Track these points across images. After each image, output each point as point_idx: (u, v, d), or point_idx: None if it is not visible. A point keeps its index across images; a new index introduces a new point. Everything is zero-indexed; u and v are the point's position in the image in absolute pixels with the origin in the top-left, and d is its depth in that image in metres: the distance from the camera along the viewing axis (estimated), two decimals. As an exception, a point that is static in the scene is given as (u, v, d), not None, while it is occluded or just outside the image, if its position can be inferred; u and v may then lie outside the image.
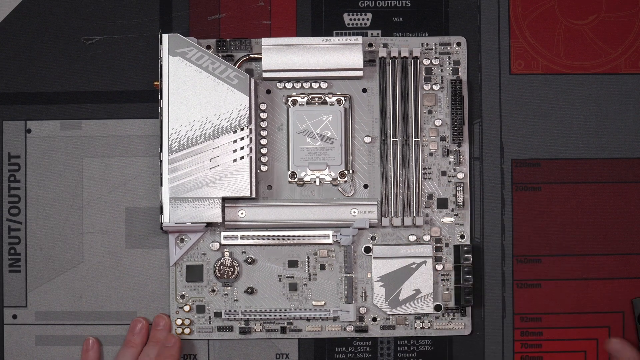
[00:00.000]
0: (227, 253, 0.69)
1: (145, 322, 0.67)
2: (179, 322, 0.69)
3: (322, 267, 0.69)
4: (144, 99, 0.70)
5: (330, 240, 0.68)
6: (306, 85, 0.69)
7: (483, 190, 0.69)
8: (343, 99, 0.69)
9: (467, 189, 0.69)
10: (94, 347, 0.67)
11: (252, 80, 0.66)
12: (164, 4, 0.69)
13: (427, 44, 0.69)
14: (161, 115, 0.65)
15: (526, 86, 0.69)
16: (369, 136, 0.70)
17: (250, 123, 0.66)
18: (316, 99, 0.69)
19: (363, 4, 0.69)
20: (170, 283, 0.68)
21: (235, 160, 0.66)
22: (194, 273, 0.69)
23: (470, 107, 0.70)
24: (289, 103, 0.69)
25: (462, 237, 0.70)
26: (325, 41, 0.67)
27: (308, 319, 0.69)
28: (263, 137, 0.69)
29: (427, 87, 0.69)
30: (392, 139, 0.69)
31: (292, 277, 0.70)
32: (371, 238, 0.70)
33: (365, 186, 0.70)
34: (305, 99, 0.69)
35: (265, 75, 0.68)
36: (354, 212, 0.68)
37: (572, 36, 0.69)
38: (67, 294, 0.69)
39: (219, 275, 0.69)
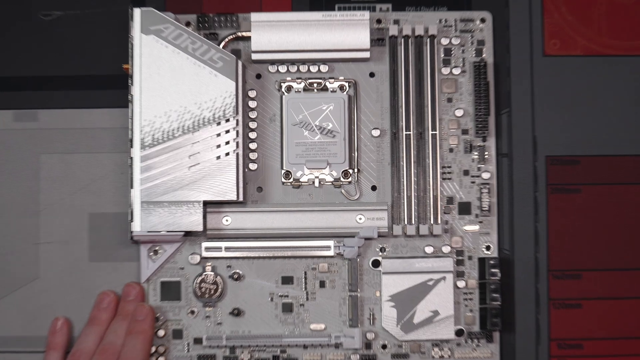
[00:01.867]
0: (209, 267, 0.71)
1: (113, 295, 0.68)
2: (152, 349, 0.70)
3: (322, 284, 0.71)
4: (112, 85, 0.71)
5: (331, 252, 0.70)
6: (303, 68, 0.70)
7: (513, 193, 0.70)
8: (347, 84, 0.71)
9: (494, 191, 0.71)
10: (62, 329, 0.68)
11: (240, 63, 0.68)
12: (136, -28, 0.70)
13: (446, 20, 0.71)
14: (132, 104, 0.67)
15: (562, 70, 0.71)
16: (377, 129, 0.71)
17: (237, 113, 0.68)
18: (315, 85, 0.71)
19: (370, -28, 0.70)
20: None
21: (219, 158, 0.68)
22: (170, 291, 0.71)
23: (497, 94, 0.71)
24: (283, 90, 0.70)
25: (488, 248, 0.71)
26: (326, 17, 0.69)
27: (305, 346, 0.71)
28: (252, 130, 0.71)
29: (445, 71, 0.71)
30: (404, 132, 0.70)
31: (287, 296, 0.71)
32: (380, 250, 0.71)
33: (374, 188, 0.71)
34: (302, 84, 0.70)
35: (254, 57, 0.70)
36: (360, 218, 0.70)
37: (615, 11, 0.71)
38: (18, 315, 0.70)
39: (199, 293, 0.70)
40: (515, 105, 0.70)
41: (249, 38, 0.71)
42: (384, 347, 0.71)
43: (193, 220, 0.67)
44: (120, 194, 0.71)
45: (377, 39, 0.71)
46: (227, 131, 0.68)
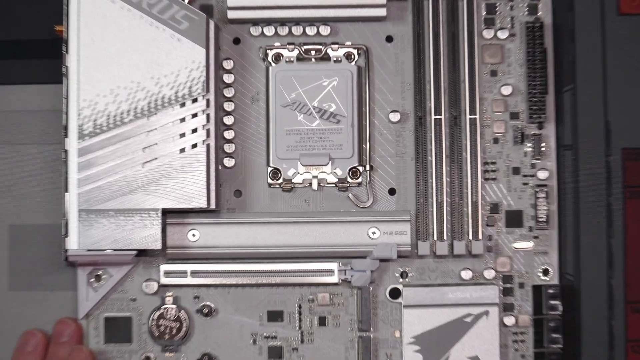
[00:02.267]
0: (170, 299, 0.67)
1: (41, 335, 0.67)
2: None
3: (323, 322, 0.68)
4: (41, 54, 0.69)
5: (335, 279, 0.67)
6: (297, 30, 0.67)
7: (579, 198, 0.66)
8: (356, 52, 0.68)
9: (554, 196, 0.67)
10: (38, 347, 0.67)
11: (212, 24, 0.65)
12: None
13: None
14: (67, 80, 0.64)
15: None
16: (396, 112, 0.68)
17: (208, 91, 0.64)
18: (313, 53, 0.67)
19: None
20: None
21: (183, 150, 0.64)
22: (118, 330, 0.68)
23: (558, 65, 0.67)
24: (270, 59, 0.67)
25: (545, 272, 0.68)
26: None
27: (300, 407, 0.68)
28: (228, 114, 0.67)
29: (488, 34, 0.68)
30: (433, 117, 0.67)
31: (275, 337, 0.68)
32: (401, 275, 0.68)
33: (392, 192, 0.68)
34: (296, 52, 0.67)
35: (232, 14, 0.66)
36: (374, 233, 0.66)
37: None
38: None
39: (157, 334, 0.67)
40: (582, 80, 0.66)
41: None
42: (406, 407, 0.67)
43: (148, 235, 0.64)
44: (50, 199, 0.68)
45: None
46: (195, 115, 0.64)
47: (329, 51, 0.66)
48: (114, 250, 0.64)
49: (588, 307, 0.65)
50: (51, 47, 0.67)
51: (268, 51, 0.67)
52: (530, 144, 0.67)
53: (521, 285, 0.67)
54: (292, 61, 0.66)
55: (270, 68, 0.66)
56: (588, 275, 0.65)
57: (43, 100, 0.69)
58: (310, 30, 0.67)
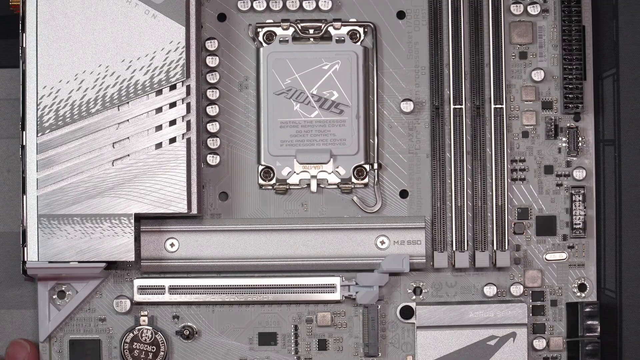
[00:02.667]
0: (146, 318, 0.67)
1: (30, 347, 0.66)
2: None
3: (323, 345, 0.68)
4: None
5: (337, 295, 0.67)
6: (292, 4, 0.66)
7: (621, 201, 0.64)
8: (361, 30, 0.67)
9: (592, 200, 0.67)
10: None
11: None
12: None
13: None
14: (24, 64, 0.62)
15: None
16: (409, 100, 0.68)
17: (189, 76, 0.63)
18: (311, 32, 0.66)
19: None
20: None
21: (160, 146, 0.63)
22: (84, 355, 0.67)
23: (597, 47, 0.66)
24: (261, 39, 0.65)
25: (581, 288, 0.67)
26: None
27: None
28: (212, 103, 0.67)
29: (517, 9, 0.66)
30: (452, 106, 0.66)
31: None
32: (414, 291, 0.68)
33: (404, 194, 0.68)
34: (291, 30, 0.65)
35: None
36: (382, 242, 0.66)
37: None
38: None
39: (130, 359, 0.66)
40: (626, 64, 0.65)
41: None
42: None
43: (120, 244, 0.63)
44: (6, 203, 0.67)
45: None
46: (173, 104, 0.63)
47: (331, 30, 0.66)
48: (80, 262, 0.63)
49: (631, 329, 0.65)
50: (7, 26, 0.67)
51: (259, 29, 0.66)
52: (565, 139, 0.67)
53: (553, 303, 0.67)
54: (287, 41, 0.66)
55: (261, 49, 0.66)
56: (631, 291, 0.65)
57: (-2, 87, 0.64)
58: (308, 5, 0.65)
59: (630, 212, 0.66)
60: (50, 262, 0.63)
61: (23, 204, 0.63)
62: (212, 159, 0.66)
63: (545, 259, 0.67)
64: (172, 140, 0.63)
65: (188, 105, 0.63)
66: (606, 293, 0.67)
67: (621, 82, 0.66)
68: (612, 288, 0.66)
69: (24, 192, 0.63)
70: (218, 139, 0.67)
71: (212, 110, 0.66)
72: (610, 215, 0.67)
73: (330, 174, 0.66)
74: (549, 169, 0.67)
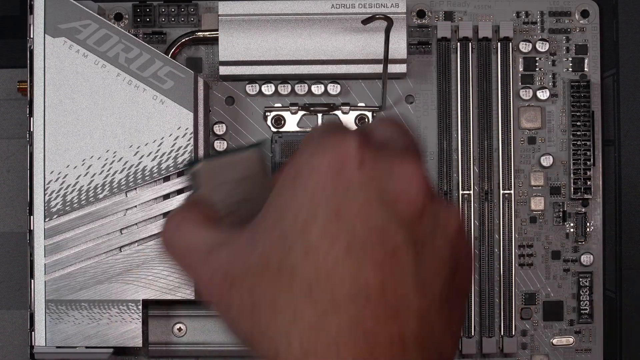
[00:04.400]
0: None
1: None
2: None
3: None
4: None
5: None
6: (300, 89, 0.66)
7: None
8: (370, 115, 0.67)
9: (599, 288, 0.64)
10: None
11: (201, 82, 0.64)
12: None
13: (528, 14, 0.66)
14: (31, 147, 0.62)
15: None
16: None
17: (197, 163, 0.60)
18: (319, 116, 0.66)
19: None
20: None
21: None
22: None
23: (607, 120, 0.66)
24: (270, 122, 0.65)
25: None
26: (338, 8, 0.64)
27: None
28: None
29: (526, 94, 0.67)
30: (461, 192, 0.66)
31: None
32: None
33: None
34: (299, 115, 0.65)
35: (224, 70, 0.65)
36: None
37: None
38: None
39: None
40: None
41: (215, 40, 0.65)
42: None
43: (128, 330, 0.62)
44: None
45: (419, 43, 0.66)
46: (181, 191, 0.63)
47: (339, 114, 0.65)
48: (88, 347, 0.62)
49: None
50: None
51: (267, 113, 0.63)
52: (572, 224, 0.66)
53: (563, 392, 0.66)
54: (292, 121, 0.64)
55: (273, 134, 0.65)
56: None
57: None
58: (317, 89, 0.65)
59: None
60: (57, 347, 0.62)
61: (31, 289, 0.63)
62: None
63: (552, 343, 0.66)
64: None
65: None
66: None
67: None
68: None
69: (31, 277, 0.63)
70: (227, 224, 0.67)
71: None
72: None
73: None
74: (556, 255, 0.66)
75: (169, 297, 0.62)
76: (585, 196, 0.66)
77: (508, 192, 0.65)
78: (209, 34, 0.65)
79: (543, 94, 0.66)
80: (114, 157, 0.63)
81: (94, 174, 0.62)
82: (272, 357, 0.47)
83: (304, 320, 0.43)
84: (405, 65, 0.63)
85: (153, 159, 0.62)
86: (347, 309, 0.43)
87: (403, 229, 0.44)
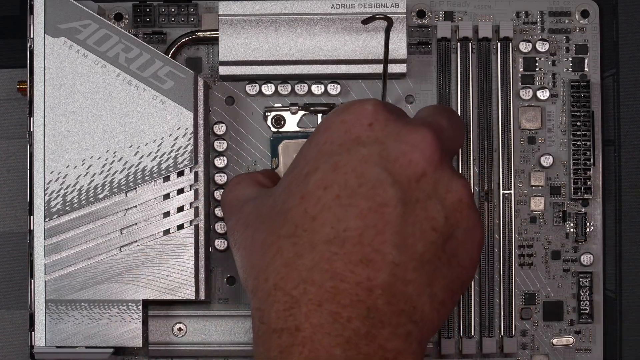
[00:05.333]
0: None
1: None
2: None
3: None
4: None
5: None
6: (300, 89, 0.66)
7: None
8: None
9: (599, 288, 0.65)
10: None
11: (201, 82, 0.64)
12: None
13: (528, 14, 0.66)
14: (31, 147, 0.63)
15: None
16: None
17: (197, 162, 0.63)
18: (319, 116, 0.66)
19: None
20: None
21: (167, 232, 0.63)
22: None
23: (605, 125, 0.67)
24: (270, 122, 0.66)
25: None
26: (338, 8, 0.64)
27: None
28: (220, 187, 0.67)
29: (526, 94, 0.67)
30: None
31: None
32: None
33: None
34: (299, 115, 0.65)
35: (224, 70, 0.65)
36: None
37: None
38: None
39: None
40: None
41: (215, 40, 0.65)
42: None
43: (127, 330, 0.62)
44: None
45: (419, 44, 0.66)
46: (181, 191, 0.63)
47: None
48: (88, 347, 0.62)
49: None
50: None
51: (267, 113, 0.64)
52: (572, 224, 0.66)
53: (565, 392, 0.66)
54: (292, 121, 0.64)
55: (272, 134, 0.65)
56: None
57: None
58: (317, 89, 0.65)
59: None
60: (57, 347, 0.62)
61: (31, 289, 0.63)
62: (220, 244, 0.65)
63: (552, 343, 0.66)
64: (180, 226, 0.62)
65: (196, 191, 0.63)
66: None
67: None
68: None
69: (32, 277, 0.62)
70: (226, 224, 0.65)
71: (220, 195, 0.65)
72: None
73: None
74: (556, 255, 0.66)
75: (169, 297, 0.62)
76: (585, 196, 0.65)
77: (508, 192, 0.65)
78: (209, 34, 0.64)
79: (543, 94, 0.66)
80: (114, 157, 0.62)
81: (94, 174, 0.62)
82: (250, 290, 0.51)
83: (282, 258, 0.47)
84: (405, 65, 0.63)
85: (153, 159, 0.62)
86: (321, 251, 0.46)
87: (395, 187, 0.47)
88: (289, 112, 0.64)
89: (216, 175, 0.65)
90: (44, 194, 0.62)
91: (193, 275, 0.62)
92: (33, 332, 0.62)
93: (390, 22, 0.59)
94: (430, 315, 0.49)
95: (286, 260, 0.47)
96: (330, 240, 0.47)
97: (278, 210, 0.49)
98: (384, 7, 0.63)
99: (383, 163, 0.47)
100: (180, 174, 0.62)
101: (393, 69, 0.63)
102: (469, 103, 0.64)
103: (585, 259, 0.65)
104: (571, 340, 0.65)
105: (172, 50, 0.64)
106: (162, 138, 0.62)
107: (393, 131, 0.48)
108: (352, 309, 0.45)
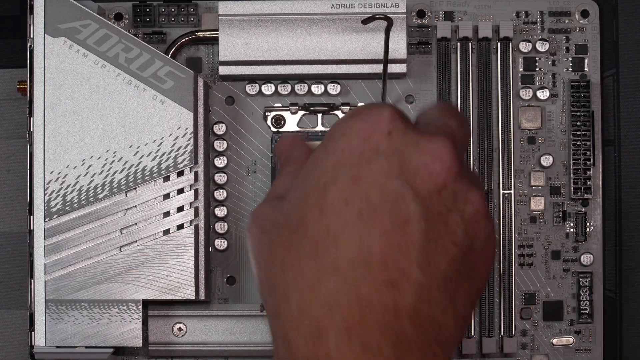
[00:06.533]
0: None
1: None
2: None
3: None
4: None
5: None
6: (300, 89, 0.66)
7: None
8: None
9: (599, 288, 0.65)
10: None
11: (201, 82, 0.64)
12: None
13: (528, 14, 0.66)
14: (31, 147, 0.63)
15: None
16: None
17: (197, 162, 0.63)
18: (319, 116, 0.66)
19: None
20: None
21: (167, 232, 0.63)
22: None
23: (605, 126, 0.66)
24: (270, 122, 0.66)
25: None
26: (337, 8, 0.64)
27: None
28: (220, 187, 0.66)
29: (526, 94, 0.66)
30: None
31: None
32: None
33: None
34: (299, 115, 0.65)
35: (224, 70, 0.65)
36: None
37: None
38: None
39: None
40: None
41: (215, 40, 0.65)
42: None
43: (127, 330, 0.62)
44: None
45: (419, 43, 0.66)
46: (181, 190, 0.63)
47: (339, 113, 0.65)
48: (87, 347, 0.62)
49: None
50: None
51: (267, 113, 0.64)
52: (572, 223, 0.66)
53: (568, 393, 0.66)
54: (293, 120, 0.64)
55: (273, 133, 0.65)
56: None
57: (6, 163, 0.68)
58: (317, 89, 0.65)
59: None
60: (57, 347, 0.62)
61: (31, 289, 0.63)
62: (220, 244, 0.65)
63: (552, 343, 0.65)
64: (180, 226, 0.62)
65: (196, 191, 0.63)
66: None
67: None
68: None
69: (31, 277, 0.62)
70: (226, 223, 0.65)
71: (219, 195, 0.65)
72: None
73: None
74: (556, 255, 0.66)
75: (169, 297, 0.62)
76: (585, 196, 0.65)
77: (508, 192, 0.64)
78: (209, 34, 0.64)
79: (543, 94, 0.65)
80: (114, 157, 0.62)
81: (94, 174, 0.62)
82: (273, 314, 0.48)
83: (304, 280, 0.44)
84: (405, 65, 0.63)
85: (153, 159, 0.62)
86: (346, 273, 0.44)
87: (417, 202, 0.45)
88: (289, 112, 0.64)
89: (216, 175, 0.65)
90: (44, 194, 0.62)
91: (193, 275, 0.62)
92: (33, 332, 0.62)
93: (390, 22, 0.59)
94: (454, 333, 0.46)
95: (309, 282, 0.45)
96: (354, 261, 0.45)
97: (296, 222, 0.47)
98: (384, 7, 0.63)
99: (404, 175, 0.45)
100: (180, 173, 0.62)
101: (393, 68, 0.63)
102: (469, 103, 0.64)
103: (585, 258, 0.65)
104: (571, 340, 0.65)
105: (172, 50, 0.64)
106: (162, 138, 0.62)
107: (411, 141, 0.46)
108: (380, 336, 0.43)
